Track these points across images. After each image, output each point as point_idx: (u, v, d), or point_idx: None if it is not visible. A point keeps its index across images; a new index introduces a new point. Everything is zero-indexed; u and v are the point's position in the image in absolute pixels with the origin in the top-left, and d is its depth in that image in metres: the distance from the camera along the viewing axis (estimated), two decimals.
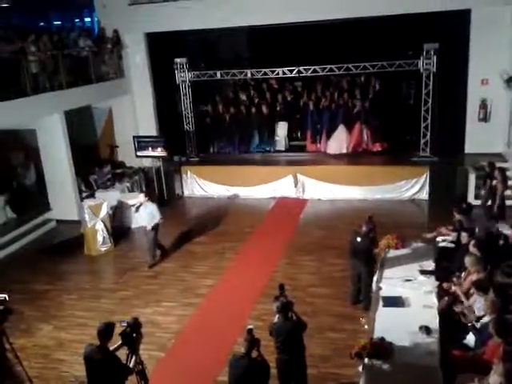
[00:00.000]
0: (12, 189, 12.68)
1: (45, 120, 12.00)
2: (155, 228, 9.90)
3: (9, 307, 6.13)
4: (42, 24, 19.39)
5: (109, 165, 13.64)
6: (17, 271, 10.13)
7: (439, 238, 8.16)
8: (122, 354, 5.51)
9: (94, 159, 14.68)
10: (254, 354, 5.12)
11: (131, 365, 5.57)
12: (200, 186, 14.03)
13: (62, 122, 12.12)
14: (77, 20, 21.30)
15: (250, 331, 5.20)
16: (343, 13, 12.74)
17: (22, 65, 10.99)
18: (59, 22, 20.58)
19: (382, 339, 5.55)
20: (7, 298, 6.16)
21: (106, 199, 11.47)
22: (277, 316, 5.68)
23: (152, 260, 10.08)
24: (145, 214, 9.96)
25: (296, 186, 13.24)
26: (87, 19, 20.75)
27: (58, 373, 7.02)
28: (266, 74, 14.03)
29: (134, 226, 12.09)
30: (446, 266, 7.25)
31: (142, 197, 10.14)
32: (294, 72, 13.75)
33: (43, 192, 12.74)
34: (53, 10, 19.64)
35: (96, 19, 15.43)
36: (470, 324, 5.88)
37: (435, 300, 6.44)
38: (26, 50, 11.31)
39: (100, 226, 10.82)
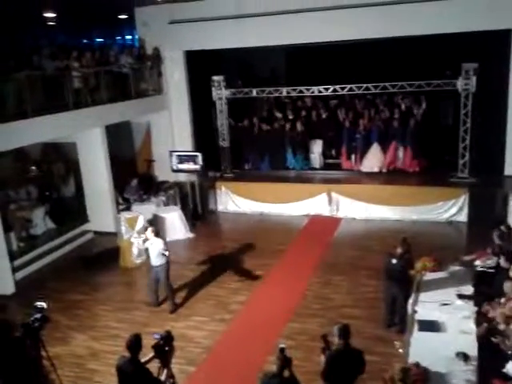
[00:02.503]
0: (52, 200, 13.04)
1: (85, 134, 12.35)
2: (165, 267, 8.84)
3: (46, 315, 6.28)
4: (84, 41, 20.05)
5: (135, 179, 13.82)
6: (54, 280, 10.38)
7: (478, 262, 7.94)
8: (154, 366, 5.57)
9: (131, 173, 14.97)
10: (286, 373, 5.07)
11: (162, 378, 5.62)
12: (233, 201, 14.11)
13: (102, 136, 12.45)
14: (118, 37, 21.92)
15: (282, 350, 5.15)
16: (381, 32, 12.68)
17: (66, 80, 11.37)
18: (101, 40, 21.24)
19: (417, 364, 5.41)
20: (45, 306, 6.32)
21: (142, 212, 11.67)
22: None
23: (154, 301, 9.05)
24: (153, 251, 8.85)
25: (330, 204, 13.16)
26: (128, 37, 21.33)
27: (90, 383, 7.13)
28: (301, 91, 14.10)
29: (168, 239, 12.21)
30: (485, 291, 7.03)
31: (149, 232, 8.97)
32: (330, 90, 13.77)
33: (82, 204, 13.06)
34: (95, 28, 20.27)
35: (137, 37, 15.85)
36: (510, 352, 5.68)
37: (473, 326, 6.25)
38: (70, 67, 11.71)
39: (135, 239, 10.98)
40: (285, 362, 5.09)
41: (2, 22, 13.11)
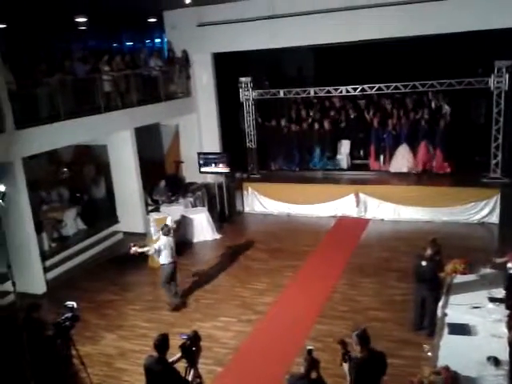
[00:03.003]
0: (83, 202, 13.31)
1: (116, 136, 12.57)
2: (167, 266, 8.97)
3: (76, 314, 6.41)
4: (115, 45, 20.41)
5: (163, 181, 13.98)
6: (84, 280, 10.60)
7: (510, 264, 7.73)
8: (181, 366, 5.61)
9: (159, 174, 15.16)
10: (313, 375, 5.05)
11: (190, 378, 5.66)
12: (260, 202, 14.12)
13: (132, 138, 12.65)
14: (147, 41, 22.23)
15: (310, 352, 5.13)
16: (410, 31, 12.51)
17: (97, 84, 11.59)
18: (131, 43, 21.58)
19: (447, 368, 5.31)
20: (75, 306, 6.45)
21: (170, 213, 11.79)
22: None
23: (174, 300, 9.12)
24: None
25: (358, 205, 13.02)
26: (157, 40, 21.60)
27: (119, 382, 7.24)
28: (329, 92, 14.02)
29: (195, 240, 12.36)
30: None
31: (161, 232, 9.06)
32: (358, 90, 13.64)
33: (112, 205, 13.30)
34: (125, 32, 20.62)
35: (166, 40, 16.05)
36: None
37: (505, 329, 6.09)
38: (100, 70, 11.93)
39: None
40: (312, 363, 5.07)
41: (35, 26, 13.48)
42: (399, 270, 9.51)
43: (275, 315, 8.75)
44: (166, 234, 8.99)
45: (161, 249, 8.85)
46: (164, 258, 8.93)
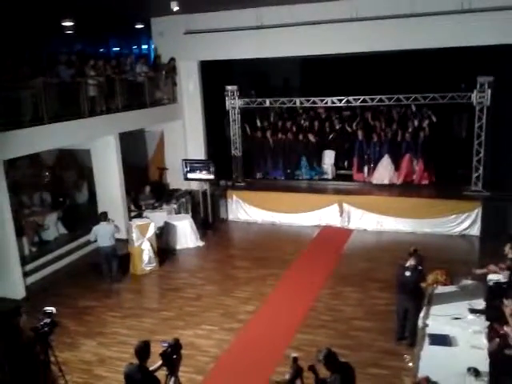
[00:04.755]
0: (65, 206, 13.15)
1: (100, 141, 12.47)
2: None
3: (55, 320, 6.31)
4: (101, 50, 20.32)
5: (148, 186, 13.91)
6: (65, 286, 10.44)
7: (490, 276, 7.83)
8: (162, 374, 5.55)
9: (143, 180, 15.08)
10: (298, 382, 5.07)
11: None
12: (245, 210, 14.11)
13: (116, 143, 12.55)
14: (134, 47, 22.17)
15: (295, 359, 5.16)
16: (396, 45, 12.67)
17: (81, 88, 11.51)
18: (118, 48, 21.51)
19: (427, 379, 5.34)
20: (54, 311, 6.35)
21: (154, 220, 11.72)
22: None
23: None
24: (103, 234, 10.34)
25: (341, 215, 13.10)
26: (144, 46, 21.56)
27: None
28: (314, 102, 14.12)
29: (179, 247, 12.28)
30: (498, 306, 6.93)
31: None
32: (343, 101, 13.76)
33: (94, 210, 13.13)
34: (112, 37, 20.55)
35: (153, 46, 16.04)
36: None
37: (485, 341, 6.17)
38: (85, 74, 11.85)
39: (146, 246, 11.03)
40: (297, 371, 5.11)
41: (21, 29, 13.35)
42: (382, 280, 9.57)
43: (257, 324, 8.72)
44: (102, 220, 10.37)
45: (96, 234, 10.32)
46: (100, 242, 10.35)
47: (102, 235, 10.29)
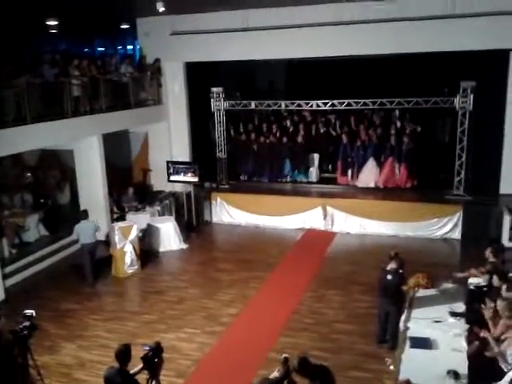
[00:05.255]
0: (47, 207, 12.99)
1: (83, 141, 12.34)
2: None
3: (35, 323, 6.22)
4: (86, 50, 20.16)
5: (131, 188, 13.82)
6: (45, 288, 10.31)
7: (471, 280, 7.91)
8: (142, 378, 5.51)
9: (127, 182, 14.96)
10: (285, 382, 5.12)
11: None
12: (229, 213, 14.09)
13: (100, 144, 12.44)
14: (119, 47, 22.04)
15: (286, 360, 5.20)
16: (380, 49, 12.79)
17: (65, 88, 11.39)
18: (103, 49, 21.36)
19: (408, 381, 5.36)
20: (34, 314, 6.26)
21: (137, 222, 11.64)
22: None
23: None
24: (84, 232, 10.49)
25: (325, 218, 13.14)
26: (129, 47, 21.45)
27: None
28: (300, 105, 14.17)
29: (162, 249, 12.21)
30: (477, 309, 7.01)
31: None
32: (328, 105, 13.83)
33: (76, 211, 12.98)
34: (97, 37, 20.39)
35: (138, 47, 15.95)
36: (506, 369, 5.62)
37: (465, 344, 6.23)
38: (69, 74, 11.74)
39: (129, 248, 10.94)
40: (288, 371, 5.12)
41: (4, 28, 13.18)
42: (364, 284, 9.61)
43: (240, 327, 8.70)
44: (83, 218, 10.54)
45: (78, 232, 10.47)
46: (83, 240, 10.44)
47: (83, 233, 10.40)
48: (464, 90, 12.36)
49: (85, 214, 10.64)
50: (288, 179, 14.86)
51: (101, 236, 11.65)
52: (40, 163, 14.12)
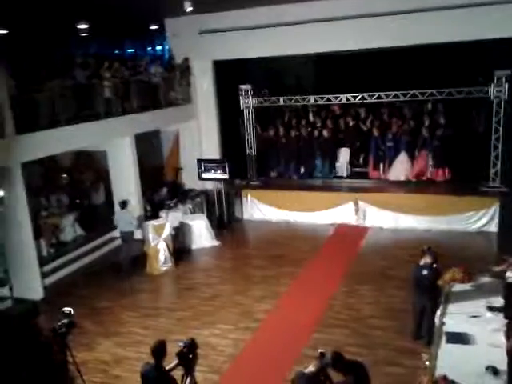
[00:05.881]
0: (82, 207, 13.28)
1: (116, 142, 12.57)
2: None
3: (73, 321, 6.38)
4: (116, 51, 20.48)
5: (165, 188, 14.01)
6: (82, 286, 10.57)
7: (509, 273, 7.70)
8: (177, 374, 5.58)
9: (159, 181, 15.17)
10: (322, 376, 5.13)
11: None
12: (259, 209, 14.11)
13: (132, 144, 12.65)
14: (149, 48, 22.31)
15: (322, 355, 5.19)
16: (410, 40, 12.55)
17: (97, 90, 11.62)
18: (132, 50, 21.67)
19: (445, 377, 5.28)
20: (72, 312, 6.42)
21: (169, 220, 11.80)
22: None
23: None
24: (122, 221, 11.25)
25: (357, 213, 13.01)
26: (159, 47, 21.69)
27: None
28: (329, 100, 14.05)
29: (194, 247, 12.33)
30: None
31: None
32: (358, 98, 13.67)
33: (110, 211, 13.25)
34: (127, 39, 20.71)
35: (167, 47, 16.10)
36: None
37: (503, 339, 6.06)
38: (101, 76, 11.96)
39: (162, 246, 11.11)
40: (323, 365, 5.12)
41: (36, 32, 13.53)
42: (398, 278, 9.47)
43: (273, 323, 8.71)
44: (122, 207, 11.19)
45: (117, 219, 11.32)
46: (121, 227, 11.27)
47: (122, 220, 11.14)
48: (498, 79, 12.02)
49: (123, 204, 11.18)
50: (318, 174, 14.75)
51: (137, 235, 11.86)
52: (75, 165, 14.46)
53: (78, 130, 10.81)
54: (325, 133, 14.47)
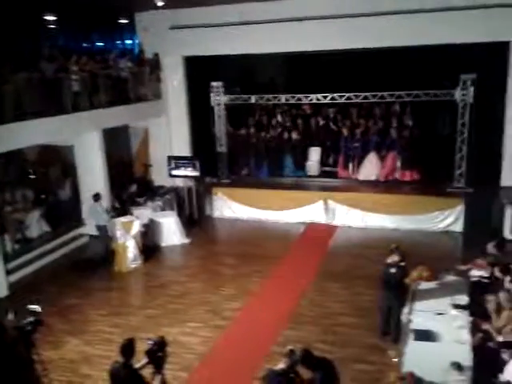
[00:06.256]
0: (48, 203, 12.97)
1: (83, 137, 12.34)
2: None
3: (40, 319, 6.24)
4: (84, 45, 20.07)
5: (135, 184, 13.86)
6: (49, 284, 10.34)
7: (473, 272, 7.94)
8: (147, 372, 5.53)
9: (128, 177, 14.95)
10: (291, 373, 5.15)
11: None
12: (230, 207, 14.09)
13: (100, 139, 12.44)
14: (118, 42, 21.95)
15: (292, 351, 5.21)
16: (380, 42, 12.75)
17: (64, 83, 11.36)
18: (101, 44, 21.27)
19: (412, 374, 5.39)
20: (39, 310, 6.28)
21: (139, 217, 11.65)
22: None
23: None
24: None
25: (326, 212, 13.16)
26: (128, 41, 21.36)
27: None
28: (299, 99, 14.14)
29: (164, 244, 12.22)
30: (481, 301, 7.03)
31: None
32: (328, 98, 13.81)
33: (77, 207, 13.01)
34: (95, 32, 20.32)
35: (137, 42, 15.88)
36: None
37: (468, 336, 6.25)
38: (68, 70, 11.70)
39: (131, 243, 10.98)
40: (293, 362, 5.15)
41: (2, 24, 13.11)
42: (367, 277, 9.60)
43: (243, 321, 8.73)
44: (95, 200, 11.29)
45: (91, 213, 11.52)
46: (96, 221, 11.40)
47: (97, 214, 11.30)
48: (464, 83, 12.35)
49: (96, 197, 11.27)
50: (288, 173, 14.84)
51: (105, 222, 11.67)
52: (40, 159, 14.08)
53: (45, 123, 10.56)
54: (294, 133, 14.56)
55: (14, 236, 11.24)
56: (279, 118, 15.40)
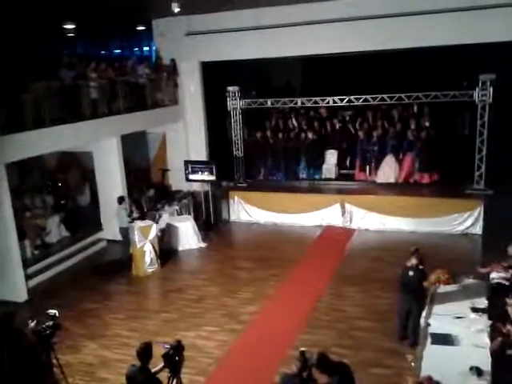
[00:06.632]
0: (67, 209, 13.16)
1: (102, 143, 12.49)
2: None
3: (58, 323, 6.32)
4: (103, 52, 20.35)
5: (152, 189, 13.97)
6: (67, 288, 10.46)
7: (493, 275, 7.80)
8: (164, 376, 5.55)
9: (145, 182, 15.09)
10: (305, 374, 5.12)
11: None
12: (246, 211, 14.11)
13: (119, 145, 12.58)
14: (136, 49, 22.20)
15: (303, 353, 5.18)
16: (398, 43, 12.66)
17: (83, 90, 11.53)
18: (119, 51, 21.55)
19: (430, 378, 5.31)
20: (57, 314, 6.36)
21: (161, 215, 11.85)
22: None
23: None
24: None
25: (343, 215, 13.08)
26: (146, 48, 21.59)
27: None
28: (316, 102, 14.10)
29: (181, 248, 12.29)
30: (500, 305, 6.90)
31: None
32: (345, 101, 13.74)
33: (96, 212, 13.16)
34: (114, 39, 20.59)
35: (154, 48, 16.05)
36: None
37: (487, 340, 6.13)
38: (87, 76, 11.87)
39: (148, 248, 11.05)
40: (305, 363, 5.11)
41: (21, 32, 13.37)
42: (384, 280, 9.52)
43: (259, 325, 8.71)
44: (119, 202, 11.60)
45: (116, 214, 11.71)
46: (120, 223, 11.58)
47: (118, 216, 11.58)
48: (483, 83, 12.19)
49: (121, 199, 11.58)
50: (304, 176, 14.80)
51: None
52: (60, 165, 14.32)
53: (64, 130, 10.73)
54: (310, 135, 14.52)
55: (33, 241, 11.42)
56: (295, 121, 15.38)
